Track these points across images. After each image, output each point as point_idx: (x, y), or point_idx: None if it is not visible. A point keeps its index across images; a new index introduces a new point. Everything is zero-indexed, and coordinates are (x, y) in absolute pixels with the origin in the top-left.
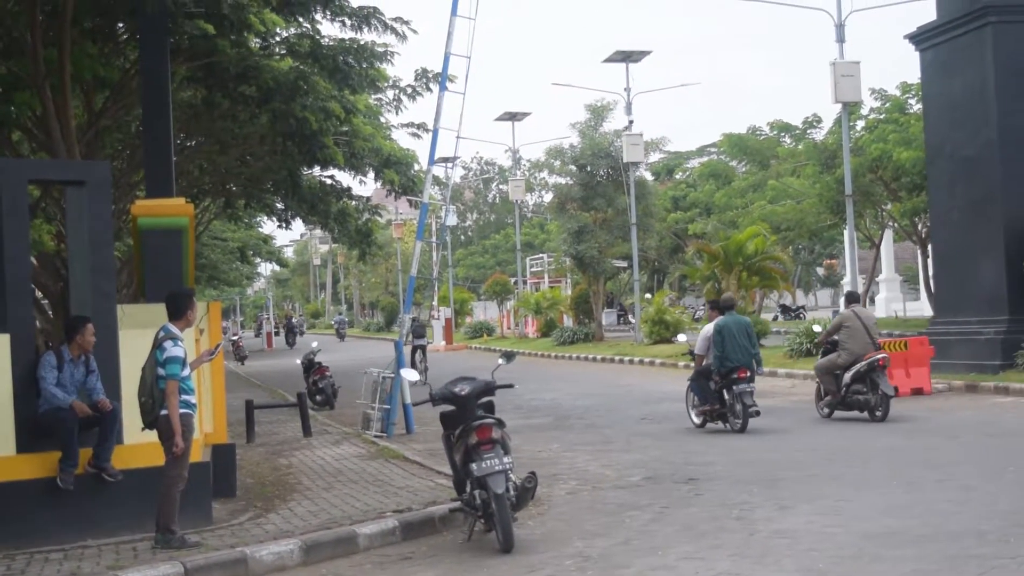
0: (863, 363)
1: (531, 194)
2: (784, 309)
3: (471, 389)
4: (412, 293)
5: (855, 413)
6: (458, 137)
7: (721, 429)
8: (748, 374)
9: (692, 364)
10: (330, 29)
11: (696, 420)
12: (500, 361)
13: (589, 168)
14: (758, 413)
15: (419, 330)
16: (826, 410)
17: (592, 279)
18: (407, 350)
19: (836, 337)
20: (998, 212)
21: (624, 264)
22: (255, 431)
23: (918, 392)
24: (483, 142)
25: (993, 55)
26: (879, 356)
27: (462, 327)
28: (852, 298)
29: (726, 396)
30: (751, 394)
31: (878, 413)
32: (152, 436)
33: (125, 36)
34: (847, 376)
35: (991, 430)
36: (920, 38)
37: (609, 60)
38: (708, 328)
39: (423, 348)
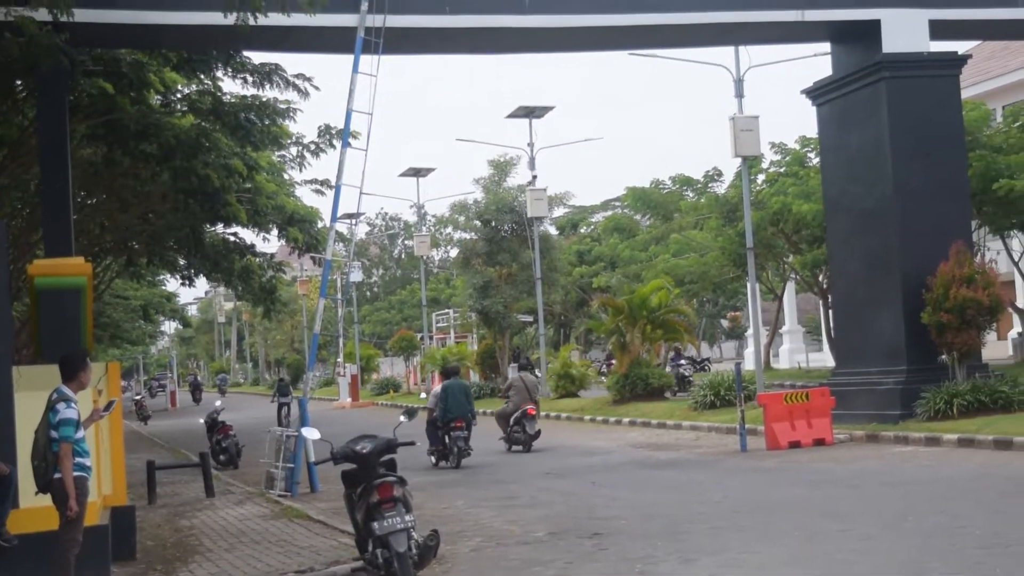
0: (519, 412)
1: (437, 249)
2: (690, 361)
3: (372, 447)
4: (315, 350)
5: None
6: (361, 193)
7: (631, 484)
8: (463, 424)
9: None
10: (232, 86)
11: (432, 460)
12: (402, 419)
13: (494, 223)
14: (470, 453)
15: (284, 389)
16: (505, 444)
17: (498, 334)
18: (273, 407)
19: (509, 393)
20: (895, 264)
21: (530, 318)
22: (156, 492)
23: (820, 442)
24: (388, 198)
25: (888, 110)
26: (529, 407)
27: (368, 383)
28: (523, 366)
29: (447, 440)
30: (466, 439)
31: (529, 446)
32: (47, 500)
33: (23, 94)
34: (511, 420)
35: (891, 479)
36: (816, 93)
37: (512, 116)
38: (437, 388)
39: (288, 405)
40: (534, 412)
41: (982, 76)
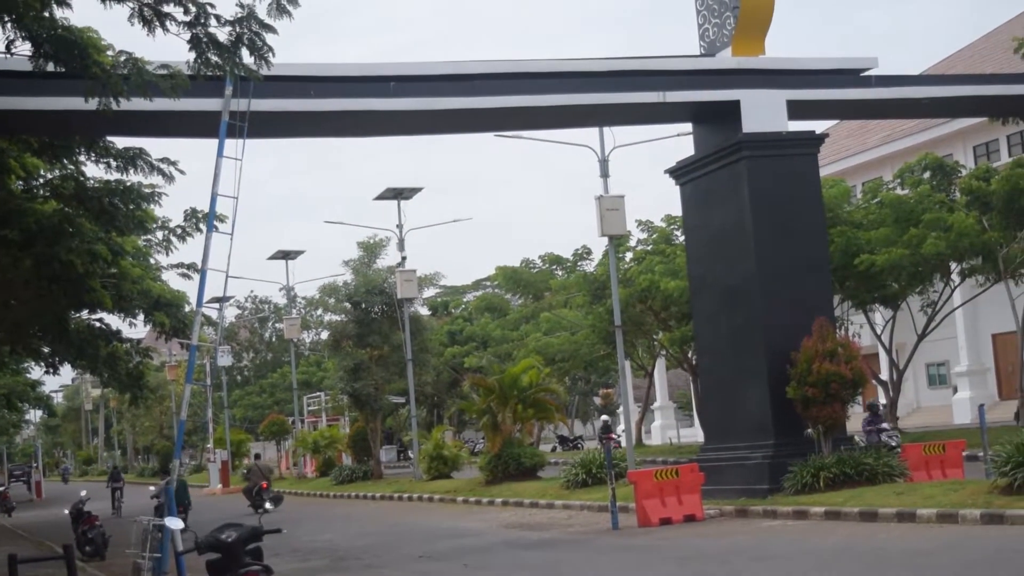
0: (256, 487)
1: (307, 332)
2: (562, 440)
3: (238, 536)
4: (182, 437)
5: None
6: (228, 277)
7: (502, 566)
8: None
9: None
10: (96, 170)
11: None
12: (268, 506)
13: (364, 305)
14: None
15: (116, 475)
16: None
17: (370, 416)
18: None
19: (249, 475)
20: (760, 340)
21: (402, 400)
22: None
23: (691, 518)
24: (257, 281)
25: (749, 188)
26: (263, 483)
27: (240, 469)
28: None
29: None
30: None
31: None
32: None
33: None
34: (253, 492)
35: (760, 554)
36: (679, 173)
37: (380, 197)
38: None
39: (120, 489)
40: (266, 486)
41: (842, 153)
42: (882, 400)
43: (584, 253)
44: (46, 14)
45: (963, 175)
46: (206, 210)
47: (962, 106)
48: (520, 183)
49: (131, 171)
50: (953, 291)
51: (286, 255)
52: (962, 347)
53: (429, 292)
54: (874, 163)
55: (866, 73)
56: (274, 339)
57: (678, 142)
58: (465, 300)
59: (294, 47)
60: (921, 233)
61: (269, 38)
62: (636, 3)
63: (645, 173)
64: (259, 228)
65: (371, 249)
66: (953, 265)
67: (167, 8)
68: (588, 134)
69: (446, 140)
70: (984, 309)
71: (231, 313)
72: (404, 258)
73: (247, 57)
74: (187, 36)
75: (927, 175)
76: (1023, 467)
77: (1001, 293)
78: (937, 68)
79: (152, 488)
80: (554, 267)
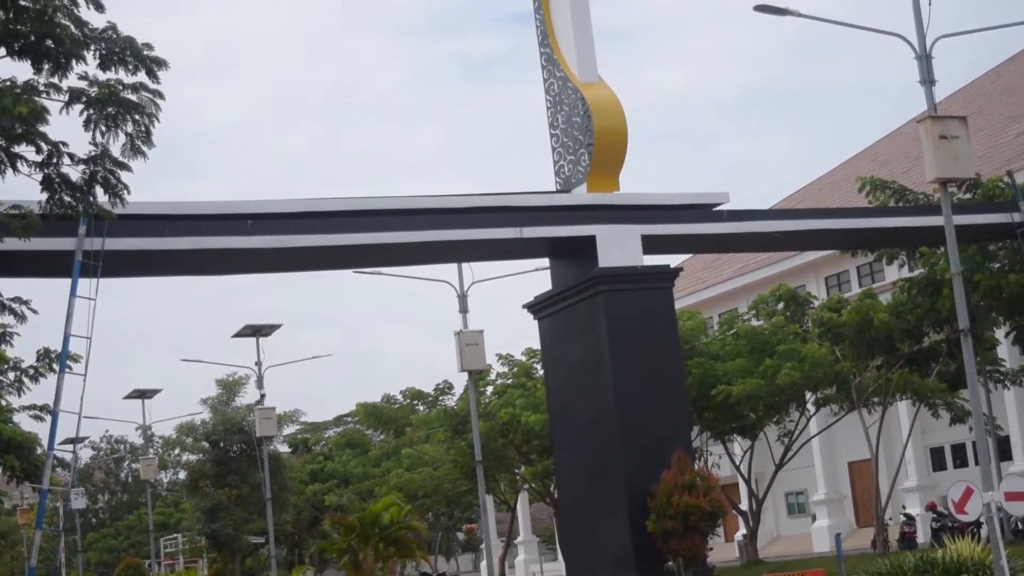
0: None
1: (164, 472)
2: None
3: None
4: None
5: None
6: (81, 418)
7: None
8: None
9: None
10: None
11: None
12: None
13: (222, 444)
14: None
15: None
16: None
17: (228, 557)
18: None
19: None
20: (619, 473)
21: (261, 540)
22: None
23: None
24: (113, 420)
25: (606, 323)
26: None
27: None
28: None
29: None
30: None
31: None
32: None
33: None
34: None
35: None
36: (537, 307)
37: (239, 335)
38: None
39: None
40: None
41: (698, 285)
42: (742, 531)
43: (446, 388)
44: None
45: (815, 306)
46: (59, 350)
47: (812, 239)
48: (381, 318)
49: None
50: (809, 420)
51: (142, 394)
52: (819, 476)
53: (289, 429)
54: (729, 295)
55: (719, 207)
56: (130, 480)
57: (538, 275)
58: (326, 436)
59: (150, 183)
60: (776, 363)
61: (124, 176)
62: (495, 137)
63: (506, 306)
64: (114, 366)
65: (230, 387)
66: (808, 395)
67: (18, 148)
68: (447, 269)
69: (306, 276)
70: (840, 438)
71: (86, 454)
72: (263, 396)
73: (101, 196)
74: (39, 176)
75: (781, 306)
76: None
77: (855, 422)
78: (789, 200)
79: None
80: (416, 402)
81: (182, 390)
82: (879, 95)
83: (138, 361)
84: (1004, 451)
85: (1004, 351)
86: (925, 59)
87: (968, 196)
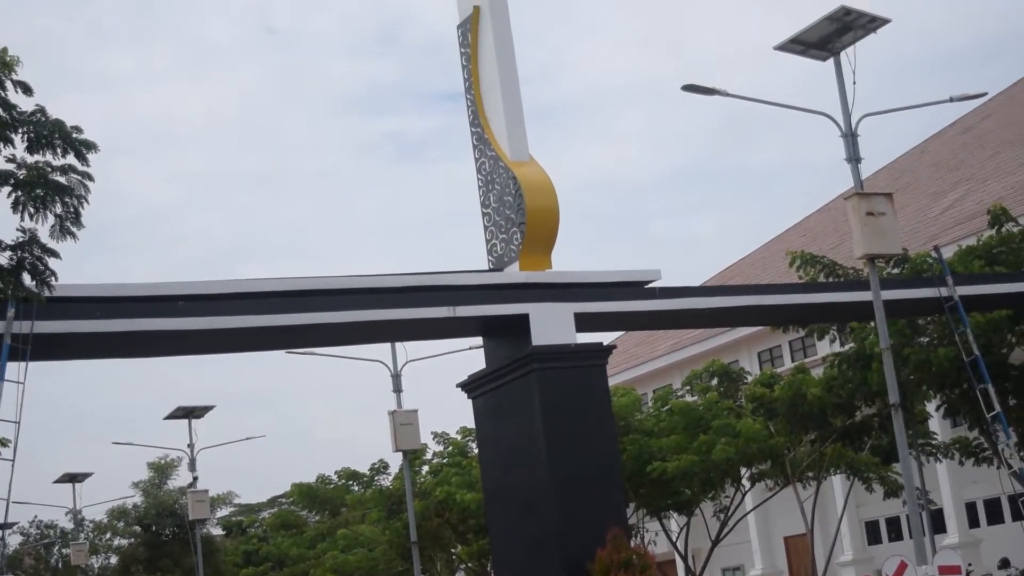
0: None
1: (96, 557)
2: None
3: None
4: None
5: None
6: (9, 503)
7: None
8: None
9: None
10: None
11: None
12: None
13: (155, 528)
14: None
15: None
16: None
17: None
18: None
19: None
20: (555, 552)
21: None
22: None
23: None
24: (42, 505)
25: (540, 401)
26: None
27: None
28: None
29: None
30: None
31: None
32: None
33: None
34: None
35: None
36: (471, 386)
37: (171, 417)
38: None
39: None
40: None
41: (632, 361)
42: None
43: (381, 467)
44: None
45: (749, 382)
46: None
47: (743, 316)
48: (315, 397)
49: None
50: (744, 496)
51: (73, 478)
52: (756, 551)
53: (223, 511)
54: (664, 370)
55: (651, 285)
56: (60, 566)
57: (473, 353)
58: (261, 518)
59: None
60: (711, 439)
61: (53, 261)
62: (429, 215)
63: (441, 383)
64: (44, 450)
65: (162, 470)
66: (743, 470)
67: None
68: (381, 348)
69: (239, 356)
70: (775, 512)
71: (15, 540)
72: (196, 478)
73: (29, 281)
74: None
75: (714, 382)
76: None
77: (790, 496)
78: (721, 276)
79: None
80: (351, 482)
81: (113, 473)
82: (809, 171)
83: (68, 444)
84: (938, 524)
85: (935, 424)
86: (851, 137)
87: (897, 271)
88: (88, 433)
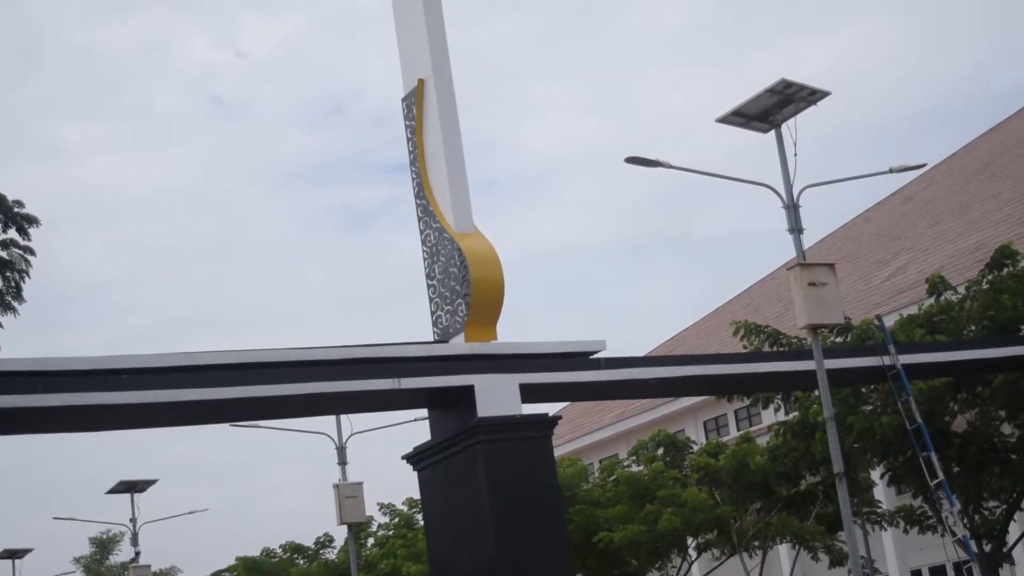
0: None
1: None
2: None
3: None
4: None
5: None
6: None
7: None
8: None
9: None
10: None
11: None
12: None
13: None
14: None
15: None
16: None
17: None
18: None
19: None
20: None
21: None
22: None
23: None
24: None
25: (486, 473)
26: None
27: None
28: None
29: None
30: None
31: None
32: None
33: None
34: None
35: None
36: (417, 459)
37: (113, 491)
38: None
39: None
40: None
41: (578, 432)
42: None
43: (326, 541)
44: None
45: (694, 451)
46: None
47: (687, 386)
48: (259, 470)
49: None
50: (691, 565)
51: (12, 554)
52: None
53: None
54: (610, 440)
55: (595, 355)
56: None
57: (418, 424)
58: None
59: (25, 337)
60: (657, 509)
61: None
62: (375, 286)
63: (387, 454)
64: None
65: (104, 545)
66: (689, 540)
67: None
68: (326, 420)
69: (183, 429)
70: None
71: None
72: (138, 553)
73: None
74: None
75: (660, 451)
76: None
77: (737, 566)
78: (667, 346)
79: None
80: (296, 556)
81: (54, 549)
82: (754, 239)
83: (7, 519)
84: None
85: (880, 492)
86: (793, 208)
87: (840, 340)
88: (27, 508)
